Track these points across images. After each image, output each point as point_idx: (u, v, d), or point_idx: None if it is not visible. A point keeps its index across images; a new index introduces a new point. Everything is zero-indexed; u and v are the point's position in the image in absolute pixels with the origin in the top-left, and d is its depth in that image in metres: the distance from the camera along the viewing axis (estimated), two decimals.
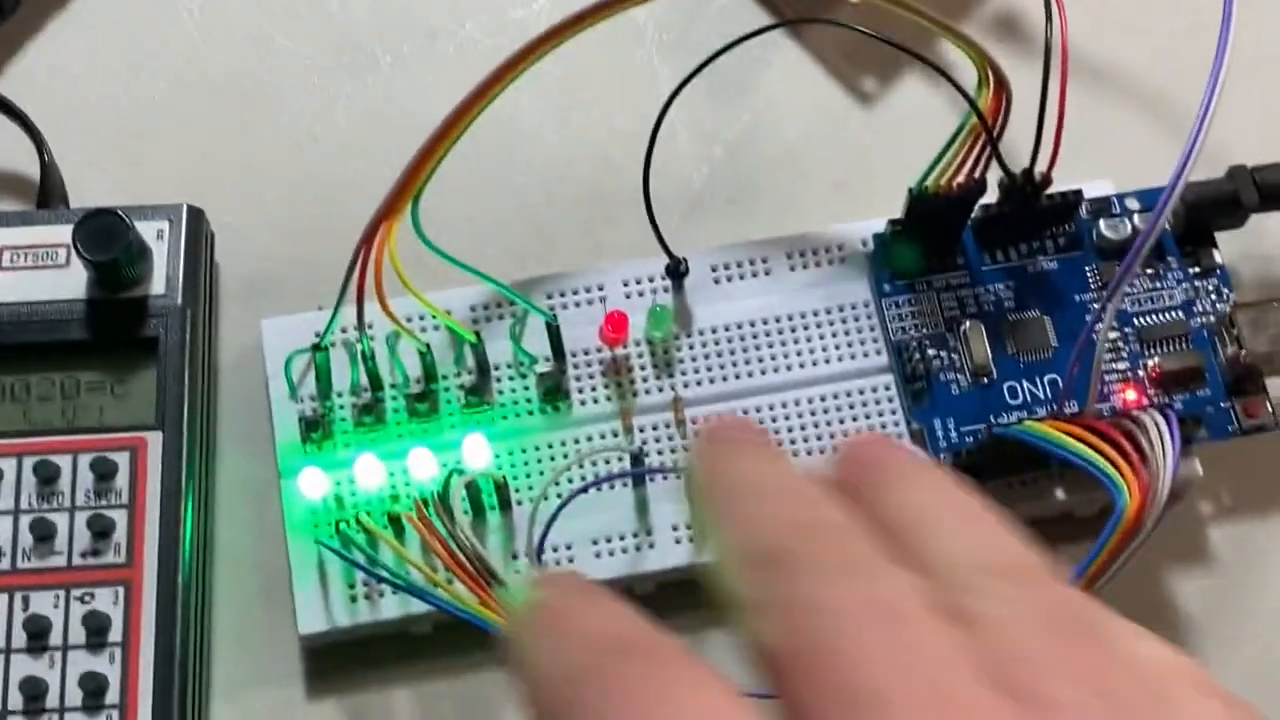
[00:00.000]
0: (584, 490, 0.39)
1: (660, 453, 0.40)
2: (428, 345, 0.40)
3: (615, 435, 0.41)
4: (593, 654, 0.23)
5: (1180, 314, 0.42)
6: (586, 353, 0.41)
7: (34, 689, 0.37)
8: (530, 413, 0.41)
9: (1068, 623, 0.22)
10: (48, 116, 0.44)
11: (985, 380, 0.41)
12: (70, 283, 0.40)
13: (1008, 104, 0.39)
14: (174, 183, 0.45)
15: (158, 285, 0.40)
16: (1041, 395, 0.40)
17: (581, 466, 0.40)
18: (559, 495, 0.39)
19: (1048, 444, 0.36)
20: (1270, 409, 0.41)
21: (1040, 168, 0.40)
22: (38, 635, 0.37)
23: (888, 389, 0.41)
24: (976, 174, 0.40)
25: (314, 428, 0.40)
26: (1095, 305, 0.41)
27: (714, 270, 0.42)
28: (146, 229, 0.40)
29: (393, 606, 0.39)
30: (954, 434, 0.40)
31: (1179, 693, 0.22)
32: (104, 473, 0.39)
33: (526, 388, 0.41)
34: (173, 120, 0.45)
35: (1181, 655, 0.23)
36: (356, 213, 0.44)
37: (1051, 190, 0.41)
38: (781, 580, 0.22)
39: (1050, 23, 0.39)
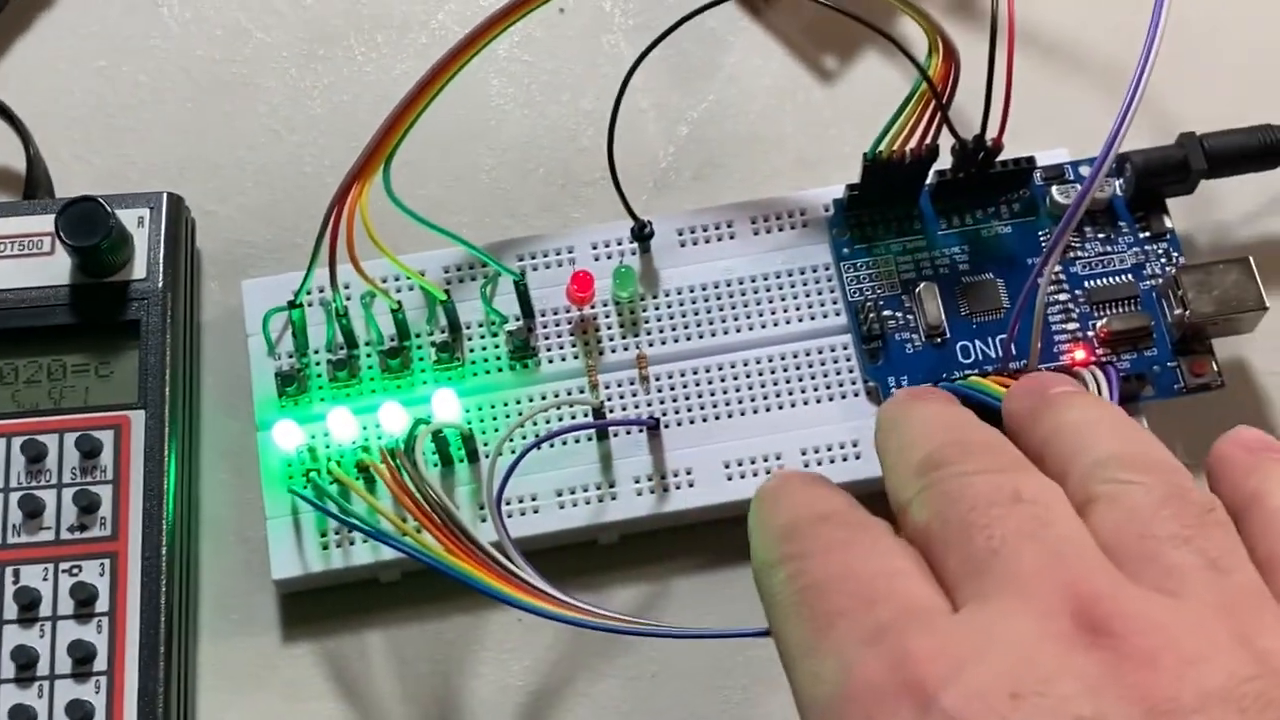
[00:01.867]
0: (541, 444, 0.40)
1: (624, 408, 0.42)
2: (400, 303, 0.42)
3: (581, 391, 0.42)
4: (801, 518, 0.30)
5: (1130, 276, 0.43)
6: (555, 312, 0.43)
7: (25, 657, 0.38)
8: (500, 369, 0.42)
9: (1192, 505, 0.27)
10: (35, 111, 0.46)
11: (939, 340, 0.42)
12: (55, 270, 0.42)
13: (957, 71, 0.40)
14: (157, 172, 0.46)
15: (139, 270, 0.42)
16: (993, 354, 0.42)
17: (548, 421, 0.41)
18: (518, 450, 0.40)
19: (988, 397, 0.37)
20: (1215, 368, 0.42)
21: (991, 134, 0.41)
22: (28, 606, 0.39)
23: (845, 348, 0.42)
24: (928, 140, 0.41)
25: (289, 382, 0.42)
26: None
27: (680, 234, 0.44)
28: (127, 216, 0.42)
29: (363, 554, 0.40)
30: None
31: None
32: (89, 450, 0.40)
33: (497, 346, 0.43)
34: (155, 112, 0.47)
35: None
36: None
37: (1005, 157, 0.43)
38: (933, 478, 0.28)
39: None
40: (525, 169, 0.47)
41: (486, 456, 0.41)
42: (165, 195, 0.43)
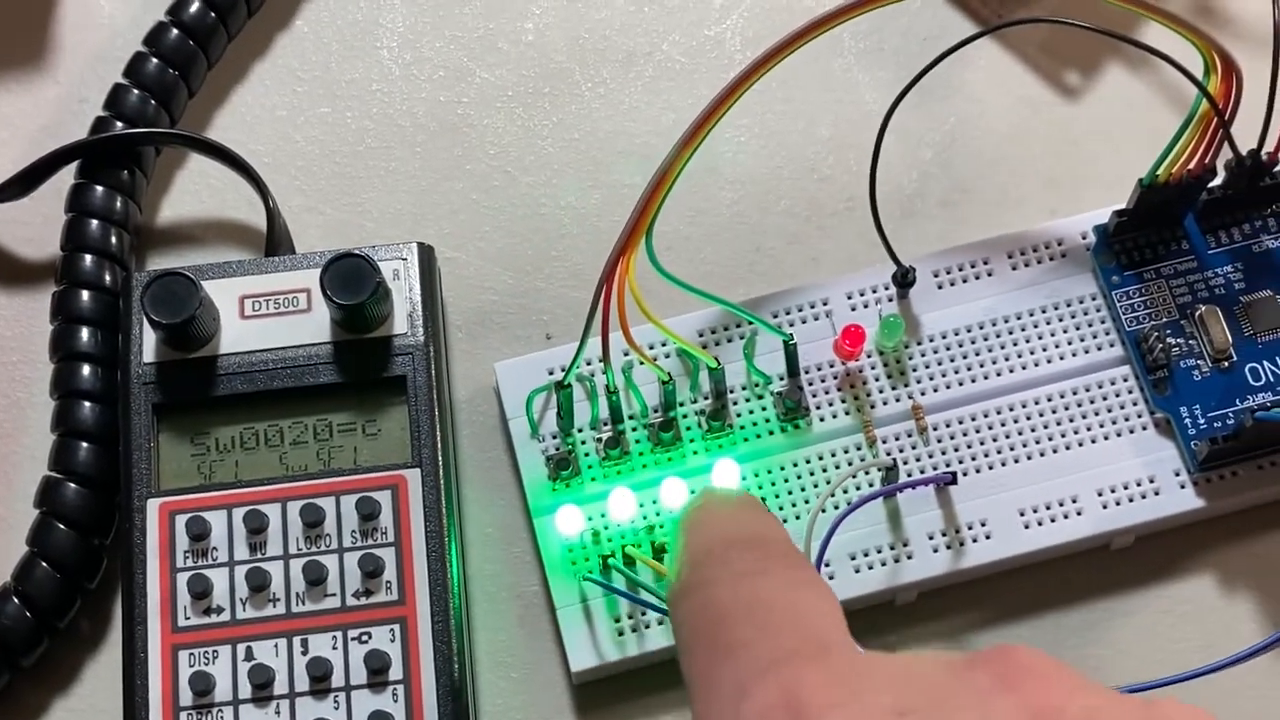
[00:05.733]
0: (853, 511, 0.39)
1: (906, 462, 0.41)
2: (670, 375, 0.40)
3: (859, 449, 0.41)
4: (714, 544, 0.30)
5: None
6: (819, 368, 0.42)
7: None
8: (771, 432, 0.41)
9: None
10: (258, 163, 0.44)
11: (1225, 364, 0.41)
12: (314, 327, 0.41)
13: (1239, 88, 0.38)
14: (391, 220, 0.45)
15: (400, 324, 0.41)
16: None
17: (843, 485, 0.40)
18: (821, 511, 0.39)
19: None
20: None
21: (1267, 148, 0.40)
22: (321, 678, 0.38)
23: (1125, 380, 0.41)
24: (1208, 160, 0.40)
25: (564, 466, 0.40)
26: None
27: (935, 275, 0.43)
28: (384, 269, 0.41)
29: (659, 638, 0.39)
30: (1201, 420, 0.40)
31: None
32: (368, 513, 0.39)
33: (764, 408, 0.41)
34: (384, 158, 0.46)
35: None
36: (571, 237, 0.45)
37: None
38: None
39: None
40: (767, 202, 0.45)
41: None
42: (416, 245, 0.42)
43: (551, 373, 0.42)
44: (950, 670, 0.25)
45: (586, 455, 0.41)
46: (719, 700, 0.26)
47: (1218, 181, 0.41)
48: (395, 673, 0.38)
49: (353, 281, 0.39)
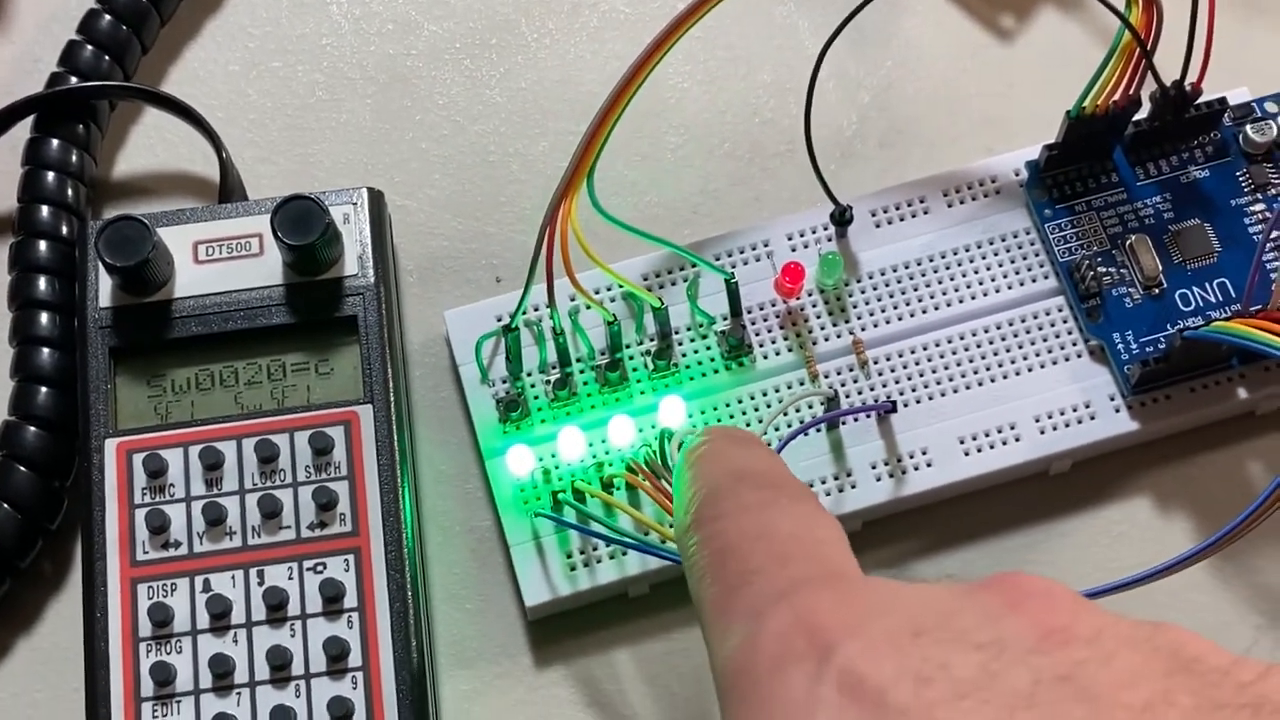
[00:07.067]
0: (794, 438, 0.40)
1: (848, 395, 0.42)
2: (615, 316, 0.41)
3: (802, 384, 0.42)
4: (720, 480, 0.30)
5: None
6: (761, 307, 0.43)
7: (279, 658, 0.38)
8: (716, 371, 0.42)
9: None
10: (211, 116, 0.45)
11: (1156, 291, 0.42)
12: (266, 270, 0.42)
13: (1159, 18, 0.39)
14: (343, 170, 0.46)
15: (350, 266, 0.42)
16: (1213, 299, 0.42)
17: (785, 414, 0.41)
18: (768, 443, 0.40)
19: (1245, 341, 0.37)
20: None
21: (1190, 79, 0.41)
22: (277, 607, 0.39)
23: (1060, 310, 0.42)
24: (1132, 91, 0.41)
25: (513, 408, 0.41)
26: (1252, 208, 0.43)
27: (873, 214, 0.44)
28: (334, 213, 0.42)
29: (610, 571, 0.40)
30: (1134, 345, 0.41)
31: None
32: (321, 448, 0.40)
33: (708, 347, 0.42)
34: (334, 110, 0.47)
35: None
36: (520, 183, 0.46)
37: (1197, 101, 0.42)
38: None
39: None
40: (710, 145, 0.46)
41: None
42: (366, 190, 0.43)
43: (500, 319, 0.43)
44: (959, 595, 0.25)
45: (536, 397, 0.42)
46: (732, 630, 0.26)
47: (1145, 114, 0.43)
48: (350, 600, 0.39)
49: (302, 223, 0.40)
